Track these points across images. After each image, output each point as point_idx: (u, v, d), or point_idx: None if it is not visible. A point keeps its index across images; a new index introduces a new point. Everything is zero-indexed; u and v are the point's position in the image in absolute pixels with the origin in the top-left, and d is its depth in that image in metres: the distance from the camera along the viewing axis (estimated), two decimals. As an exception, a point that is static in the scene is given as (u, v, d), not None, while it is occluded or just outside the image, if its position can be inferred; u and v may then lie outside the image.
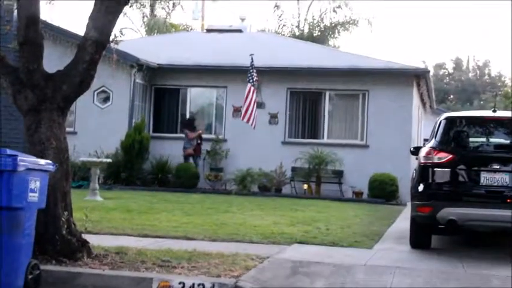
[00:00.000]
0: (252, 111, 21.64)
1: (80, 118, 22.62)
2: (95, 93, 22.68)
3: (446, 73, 66.63)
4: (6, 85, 8.23)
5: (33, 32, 8.31)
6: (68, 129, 9.07)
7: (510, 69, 63.35)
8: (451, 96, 62.46)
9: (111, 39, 8.72)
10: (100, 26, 8.37)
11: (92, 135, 22.25)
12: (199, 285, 7.26)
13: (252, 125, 21.72)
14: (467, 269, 8.98)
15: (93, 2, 8.46)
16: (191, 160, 22.92)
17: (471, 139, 10.99)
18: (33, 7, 8.35)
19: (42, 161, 7.47)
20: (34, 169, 7.20)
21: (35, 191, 7.23)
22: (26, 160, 7.06)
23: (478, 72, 66.08)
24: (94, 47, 8.34)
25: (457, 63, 66.36)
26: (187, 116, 23.95)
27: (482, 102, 55.63)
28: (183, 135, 23.06)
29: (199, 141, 23.01)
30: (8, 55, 8.57)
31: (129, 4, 9.09)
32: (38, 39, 8.37)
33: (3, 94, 8.55)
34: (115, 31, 8.82)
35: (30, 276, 7.22)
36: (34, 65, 8.26)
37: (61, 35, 22.26)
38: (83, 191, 16.96)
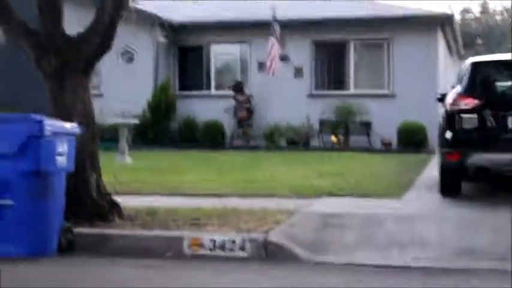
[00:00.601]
0: (275, 63, 21.60)
1: (106, 80, 22.64)
2: (119, 54, 22.68)
3: (473, 17, 65.70)
4: (28, 50, 8.24)
5: (53, -5, 8.29)
6: (94, 91, 9.08)
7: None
8: (479, 41, 61.67)
9: (130, -1, 8.68)
10: (119, -14, 8.33)
11: (118, 96, 22.29)
12: (229, 241, 7.31)
13: (273, 75, 21.67)
14: (497, 215, 8.93)
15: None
16: (244, 125, 22.81)
17: (498, 83, 10.87)
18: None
19: (69, 125, 7.51)
20: (61, 133, 7.25)
21: (63, 154, 7.29)
22: (52, 124, 7.10)
23: (505, 14, 65.06)
24: (113, 7, 8.31)
25: (484, 7, 65.37)
26: (212, 72, 23.92)
27: (510, 45, 54.84)
28: (231, 98, 22.80)
29: (248, 105, 22.81)
30: (29, 20, 8.56)
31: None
32: (58, 3, 8.34)
33: (25, 60, 8.55)
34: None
35: (63, 240, 7.32)
36: (55, 29, 8.25)
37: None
38: (111, 153, 17.02)
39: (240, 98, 22.76)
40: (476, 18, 65.29)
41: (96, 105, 8.82)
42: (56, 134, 7.12)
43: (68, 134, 7.41)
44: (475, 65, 10.70)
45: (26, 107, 14.61)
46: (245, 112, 22.74)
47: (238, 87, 23.07)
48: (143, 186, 11.54)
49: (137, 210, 8.79)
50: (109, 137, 19.16)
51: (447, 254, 7.22)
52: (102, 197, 8.28)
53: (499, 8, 65.39)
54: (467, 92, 10.26)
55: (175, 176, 13.16)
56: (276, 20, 21.58)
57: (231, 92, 23.02)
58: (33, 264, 6.83)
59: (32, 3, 8.43)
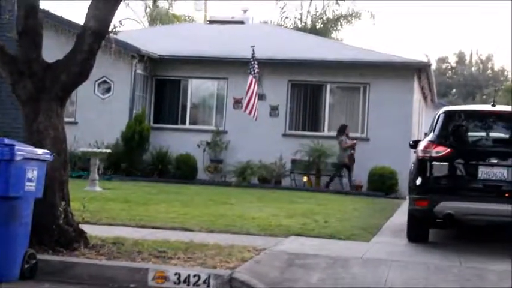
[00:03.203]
0: (253, 103, 21.69)
1: (81, 108, 22.63)
2: (96, 83, 22.69)
3: (449, 67, 66.54)
4: (5, 74, 8.23)
5: (33, 21, 8.30)
6: (68, 119, 9.10)
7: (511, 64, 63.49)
8: (453, 91, 62.40)
9: (110, 29, 8.70)
10: (99, 16, 8.36)
11: (92, 125, 22.26)
12: (194, 276, 7.28)
13: (253, 116, 21.76)
14: (464, 263, 8.99)
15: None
16: (343, 173, 21.93)
17: (470, 133, 11.01)
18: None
19: (40, 151, 7.49)
20: (31, 158, 7.22)
21: (32, 180, 7.25)
22: (23, 149, 7.07)
23: (481, 66, 66.00)
24: (93, 37, 8.33)
25: (460, 57, 66.28)
26: (188, 107, 23.96)
27: (484, 97, 55.58)
28: (338, 141, 22.05)
29: (352, 151, 21.83)
30: (8, 44, 8.56)
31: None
32: (38, 29, 8.36)
33: (5, 84, 8.54)
34: (115, 21, 8.81)
35: (26, 266, 7.24)
36: (33, 54, 8.26)
37: (62, 25, 22.24)
38: (82, 181, 16.97)
39: (344, 143, 21.74)
40: (451, 68, 66.12)
41: (70, 133, 8.81)
42: (27, 159, 7.08)
43: (39, 159, 7.37)
44: (447, 114, 10.85)
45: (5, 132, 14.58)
46: (346, 158, 21.72)
47: (343, 130, 22.02)
48: (111, 216, 11.49)
49: (104, 239, 8.74)
50: (81, 165, 19.09)
51: (411, 299, 7.23)
52: (69, 224, 8.23)
53: (474, 59, 66.26)
54: (439, 140, 10.39)
55: (144, 208, 13.12)
56: (255, 59, 21.72)
57: (211, 128, 23.06)
58: (-7, 289, 6.77)
59: (12, 27, 8.45)
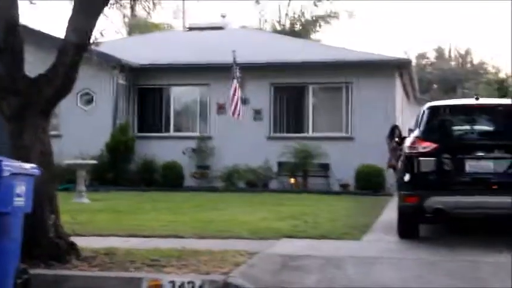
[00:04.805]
0: (238, 106, 21.72)
1: (65, 121, 22.54)
2: (78, 95, 22.62)
3: (429, 62, 66.79)
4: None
5: (13, 37, 8.26)
6: (52, 132, 9.05)
7: (510, 60, 64.07)
8: (435, 86, 62.65)
9: (91, 41, 8.68)
10: (80, 28, 8.33)
11: (76, 137, 22.16)
12: (189, 283, 7.26)
13: (238, 117, 21.72)
14: (456, 257, 9.02)
15: (72, 3, 8.42)
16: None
17: (455, 127, 11.06)
18: (12, 11, 8.29)
19: (27, 165, 7.43)
20: (19, 173, 7.15)
21: (21, 195, 7.19)
22: (10, 165, 7.01)
23: (460, 60, 66.30)
24: (74, 49, 8.30)
25: (439, 52, 66.55)
26: (171, 114, 23.93)
27: (465, 91, 55.80)
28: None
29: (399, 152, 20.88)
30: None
31: (109, 5, 9.04)
32: (19, 46, 8.32)
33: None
34: (95, 33, 8.78)
35: (19, 281, 7.17)
36: (16, 71, 8.22)
37: (43, 39, 22.11)
38: (69, 194, 16.89)
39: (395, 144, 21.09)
40: (431, 64, 66.39)
41: (55, 146, 8.76)
42: (15, 174, 7.03)
43: (27, 174, 7.32)
44: (432, 109, 10.90)
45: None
46: (394, 161, 21.20)
47: (392, 132, 21.21)
48: (101, 227, 11.45)
49: (95, 251, 8.71)
50: (67, 177, 19.00)
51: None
52: (59, 237, 8.19)
53: (453, 54, 66.56)
54: (425, 136, 10.43)
55: (133, 217, 13.08)
56: (236, 64, 21.73)
57: (195, 134, 23.03)
58: (-12, 307, 6.71)
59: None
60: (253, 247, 9.37)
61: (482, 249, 9.63)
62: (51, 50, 17.93)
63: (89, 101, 23.17)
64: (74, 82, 8.45)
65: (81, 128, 22.60)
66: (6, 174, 6.83)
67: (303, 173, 22.16)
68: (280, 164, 22.48)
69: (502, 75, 52.25)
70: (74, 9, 8.38)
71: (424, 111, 10.95)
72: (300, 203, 16.44)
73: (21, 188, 7.17)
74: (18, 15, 8.40)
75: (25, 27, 8.52)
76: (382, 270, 8.29)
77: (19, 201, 7.15)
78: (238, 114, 21.76)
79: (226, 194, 19.83)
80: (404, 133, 13.20)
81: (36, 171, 7.50)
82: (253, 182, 22.03)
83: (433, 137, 10.40)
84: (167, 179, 22.09)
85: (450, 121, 11.01)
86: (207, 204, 16.06)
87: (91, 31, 8.51)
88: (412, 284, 7.63)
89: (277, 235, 10.70)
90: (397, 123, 21.00)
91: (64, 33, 8.43)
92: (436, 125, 10.75)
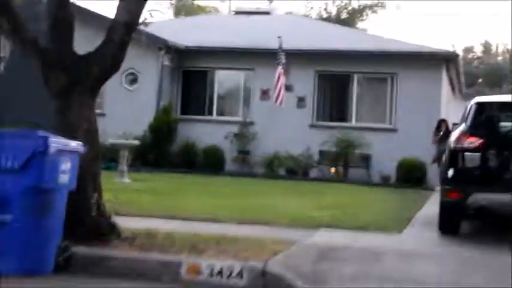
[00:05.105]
0: (281, 93, 21.73)
1: (109, 100, 22.68)
2: (123, 75, 22.74)
3: (476, 57, 66.00)
4: (38, 67, 8.24)
5: (64, 12, 8.30)
6: (97, 111, 9.09)
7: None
8: (480, 80, 61.88)
9: (140, 21, 8.70)
10: (130, 8, 8.35)
11: (120, 117, 22.32)
12: (228, 268, 7.25)
13: (280, 104, 21.76)
14: (496, 255, 8.90)
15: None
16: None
17: (502, 124, 10.90)
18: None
19: (73, 143, 7.49)
20: (65, 150, 7.22)
21: (66, 172, 7.25)
22: (57, 142, 7.07)
23: (507, 55, 65.36)
24: (124, 28, 8.33)
25: (486, 47, 65.71)
26: (215, 98, 23.99)
27: (511, 86, 55.01)
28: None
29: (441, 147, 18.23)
30: (39, 37, 8.56)
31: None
32: (69, 20, 8.36)
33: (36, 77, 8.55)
34: (144, 13, 8.80)
35: (61, 258, 7.26)
36: (65, 46, 8.26)
37: (90, 18, 22.27)
38: (111, 173, 17.00)
39: (433, 137, 20.24)
40: (478, 58, 65.60)
41: (99, 124, 8.81)
42: (61, 151, 7.09)
43: (72, 152, 7.38)
44: (479, 105, 10.74)
45: (28, 125, 14.57)
46: (436, 155, 19.34)
47: (439, 125, 20.32)
48: (142, 208, 11.51)
49: (136, 232, 8.73)
50: (109, 156, 19.16)
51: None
52: (101, 216, 8.23)
53: (500, 49, 65.67)
54: (472, 131, 10.29)
55: (174, 200, 13.13)
56: (282, 50, 21.67)
57: (238, 119, 23.08)
58: (28, 282, 6.77)
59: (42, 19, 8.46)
60: (292, 236, 9.33)
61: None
62: (96, 29, 18.17)
63: (134, 81, 23.31)
64: (122, 61, 8.47)
65: (125, 107, 22.76)
66: (52, 150, 6.90)
67: (344, 163, 22.07)
68: (321, 153, 22.40)
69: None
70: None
71: (471, 106, 10.80)
72: (340, 193, 16.38)
73: (66, 165, 7.23)
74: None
75: (72, 4, 8.55)
76: (420, 264, 8.20)
77: (64, 178, 7.22)
78: (281, 100, 21.75)
79: (266, 181, 19.83)
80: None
81: (82, 149, 7.55)
82: (293, 170, 22.00)
83: (479, 133, 10.25)
84: (208, 162, 22.17)
85: (497, 117, 10.86)
86: (247, 190, 16.08)
87: (141, 11, 8.53)
88: (450, 278, 7.55)
89: (317, 225, 10.64)
90: (443, 117, 20.84)
91: (115, 12, 8.46)
92: (483, 120, 10.60)
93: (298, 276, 7.26)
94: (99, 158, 8.49)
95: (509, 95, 12.25)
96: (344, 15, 47.64)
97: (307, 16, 44.87)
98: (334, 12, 48.26)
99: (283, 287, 7.07)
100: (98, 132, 8.47)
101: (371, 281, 7.45)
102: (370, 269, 7.91)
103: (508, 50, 65.06)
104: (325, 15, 47.34)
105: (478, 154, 10.08)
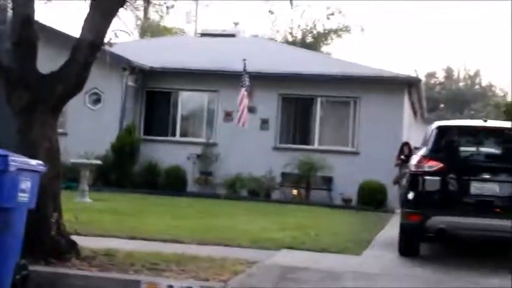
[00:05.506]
0: (244, 114, 21.77)
1: (72, 119, 22.53)
2: (87, 94, 22.64)
3: (438, 82, 66.77)
4: (1, 85, 8.21)
5: (28, 31, 8.30)
6: (59, 130, 9.05)
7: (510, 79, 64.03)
8: (442, 105, 62.61)
9: (105, 41, 8.71)
10: (95, 27, 8.37)
11: (82, 136, 22.17)
12: (187, 288, 7.26)
13: (242, 125, 21.80)
14: (455, 277, 9.00)
15: (89, 3, 8.46)
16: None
17: (462, 148, 11.06)
18: (28, 6, 8.33)
19: (34, 162, 7.44)
20: (25, 169, 7.16)
21: (26, 191, 7.19)
22: (17, 160, 7.02)
23: (469, 81, 66.24)
24: (89, 48, 8.34)
25: (448, 73, 66.53)
26: (178, 119, 23.99)
27: (472, 112, 55.77)
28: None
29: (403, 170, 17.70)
30: (2, 55, 8.54)
31: (124, 6, 9.07)
32: (33, 39, 8.35)
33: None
34: (109, 33, 8.82)
35: (18, 277, 7.18)
36: (28, 65, 8.25)
37: (54, 36, 22.15)
38: (72, 193, 16.90)
39: (395, 160, 19.17)
40: (440, 83, 66.37)
41: (61, 144, 8.77)
42: (21, 170, 7.03)
43: (32, 170, 7.32)
44: (440, 129, 10.90)
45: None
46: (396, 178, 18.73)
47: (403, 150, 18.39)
48: (103, 228, 11.45)
49: (95, 251, 8.71)
50: (71, 176, 19.02)
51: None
52: (61, 235, 8.20)
53: (462, 75, 66.52)
54: (432, 155, 10.43)
55: (135, 220, 13.09)
56: (246, 73, 21.78)
57: (201, 140, 23.16)
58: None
59: (6, 38, 8.43)
60: (253, 256, 9.37)
61: (483, 270, 9.62)
62: (59, 47, 18.02)
63: (97, 101, 23.21)
64: (85, 81, 8.48)
65: (88, 127, 22.62)
66: (12, 169, 6.83)
67: (306, 185, 22.15)
68: (283, 175, 22.47)
69: (509, 98, 52.15)
70: (91, 8, 8.42)
71: (432, 130, 10.95)
72: (302, 215, 16.43)
73: (26, 184, 7.16)
74: (34, 10, 8.44)
75: (37, 23, 8.55)
76: (379, 285, 8.27)
77: (23, 197, 7.15)
78: (244, 122, 21.81)
79: (228, 202, 19.82)
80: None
81: (42, 168, 7.50)
82: (255, 191, 22.04)
83: (439, 157, 10.39)
84: (170, 183, 22.10)
85: (457, 142, 11.02)
86: (208, 211, 16.06)
87: (106, 31, 8.55)
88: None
89: (278, 246, 10.69)
90: (406, 141, 21.01)
91: (80, 32, 8.46)
92: (443, 144, 10.76)
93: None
94: (59, 178, 8.46)
95: (470, 120, 12.45)
96: (309, 39, 47.96)
97: (272, 39, 45.09)
98: (299, 35, 48.57)
99: (243, 307, 7.09)
100: (59, 152, 8.44)
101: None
102: (329, 290, 7.96)
103: (469, 75, 65.94)
104: (290, 39, 47.63)
105: (437, 178, 10.21)
